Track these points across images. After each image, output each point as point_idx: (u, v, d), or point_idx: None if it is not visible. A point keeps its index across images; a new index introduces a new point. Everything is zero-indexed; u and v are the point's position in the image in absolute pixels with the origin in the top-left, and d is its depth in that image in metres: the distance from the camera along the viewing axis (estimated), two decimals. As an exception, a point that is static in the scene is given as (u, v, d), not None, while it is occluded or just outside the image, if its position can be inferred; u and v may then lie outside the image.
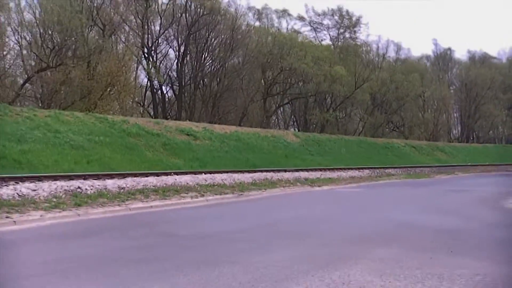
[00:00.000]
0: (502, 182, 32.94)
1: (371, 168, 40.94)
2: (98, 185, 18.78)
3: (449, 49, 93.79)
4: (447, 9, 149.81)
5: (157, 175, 23.19)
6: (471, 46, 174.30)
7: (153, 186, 20.88)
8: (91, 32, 44.74)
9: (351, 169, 38.54)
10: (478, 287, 6.54)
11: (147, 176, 22.33)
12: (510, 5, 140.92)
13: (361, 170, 38.90)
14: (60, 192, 17.12)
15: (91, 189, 18.14)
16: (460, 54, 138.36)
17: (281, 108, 70.67)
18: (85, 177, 19.62)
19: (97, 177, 20.16)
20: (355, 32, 71.97)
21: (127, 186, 19.78)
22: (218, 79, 55.85)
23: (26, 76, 41.41)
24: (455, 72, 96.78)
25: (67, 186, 17.70)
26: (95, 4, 45.13)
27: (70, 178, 19.02)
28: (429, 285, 6.65)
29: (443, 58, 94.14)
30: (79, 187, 17.94)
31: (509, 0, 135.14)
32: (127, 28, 51.58)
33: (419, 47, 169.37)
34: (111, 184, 19.44)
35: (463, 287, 6.55)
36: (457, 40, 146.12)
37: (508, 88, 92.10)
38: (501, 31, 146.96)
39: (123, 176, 21.38)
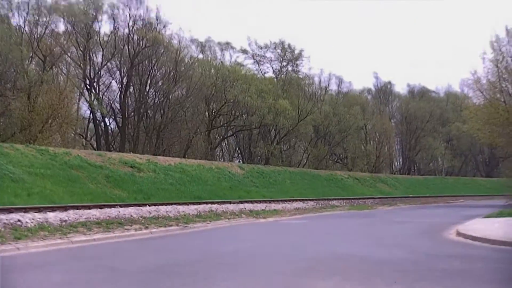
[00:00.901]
0: (442, 213, 33.52)
1: (316, 199, 41.18)
2: (39, 218, 18.30)
3: (389, 82, 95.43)
4: (387, 44, 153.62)
5: (100, 207, 22.80)
6: (410, 80, 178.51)
7: (96, 218, 20.48)
8: (31, 64, 44.10)
9: (296, 200, 38.73)
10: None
11: (90, 209, 21.94)
12: (446, 42, 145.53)
13: (306, 202, 39.08)
14: (-1, 225, 16.60)
15: (32, 222, 17.64)
16: (400, 87, 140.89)
17: (226, 140, 70.69)
18: (25, 210, 19.14)
19: (38, 210, 19.70)
20: (297, 65, 72.78)
21: (69, 219, 19.35)
22: (162, 111, 55.51)
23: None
24: (395, 105, 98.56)
25: (6, 220, 17.18)
26: (35, 36, 44.55)
27: (9, 211, 18.50)
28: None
29: (384, 91, 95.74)
30: (19, 220, 17.43)
31: (444, 37, 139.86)
32: (68, 59, 51.07)
33: (360, 80, 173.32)
34: (53, 217, 18.97)
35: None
36: (397, 74, 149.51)
37: (446, 121, 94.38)
38: (438, 66, 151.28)
39: (65, 208, 20.95)
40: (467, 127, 52.30)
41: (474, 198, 63.58)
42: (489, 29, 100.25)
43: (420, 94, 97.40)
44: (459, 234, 17.96)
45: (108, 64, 54.20)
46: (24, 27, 45.10)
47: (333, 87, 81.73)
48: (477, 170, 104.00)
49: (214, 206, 29.28)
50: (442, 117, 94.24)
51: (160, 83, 55.83)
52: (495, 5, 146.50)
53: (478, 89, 42.90)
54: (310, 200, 40.40)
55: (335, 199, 44.28)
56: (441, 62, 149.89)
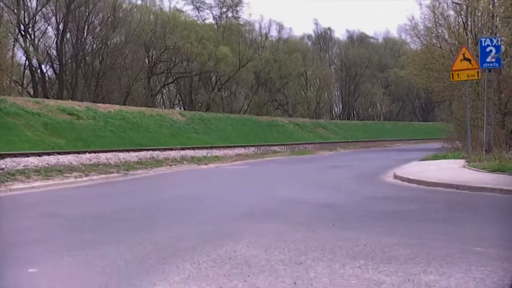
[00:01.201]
0: (380, 157, 34.13)
1: (257, 145, 41.47)
2: (-25, 166, 17.97)
3: (329, 29, 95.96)
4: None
5: (39, 155, 22.49)
6: (350, 26, 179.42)
7: (35, 166, 20.21)
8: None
9: (237, 147, 38.93)
10: (358, 256, 6.73)
11: (28, 156, 21.62)
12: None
13: (247, 148, 39.34)
14: None
15: (-33, 171, 17.33)
16: (340, 34, 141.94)
17: (166, 87, 70.10)
18: (-40, 159, 18.74)
19: (-27, 158, 19.31)
20: (237, 11, 72.35)
21: (7, 166, 19.06)
22: (100, 58, 54.58)
23: None
24: (335, 51, 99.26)
25: None
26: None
27: None
28: (312, 257, 6.76)
29: (324, 37, 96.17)
30: (-46, 169, 17.09)
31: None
32: (1, 4, 49.33)
33: (300, 27, 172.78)
34: (-11, 165, 18.65)
35: (344, 257, 6.70)
36: (337, 20, 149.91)
37: (384, 67, 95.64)
38: (377, 12, 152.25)
39: (2, 156, 20.60)
40: (405, 72, 53.11)
41: (411, 142, 65.05)
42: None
43: (359, 40, 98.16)
44: (396, 177, 18.35)
45: (44, 9, 52.67)
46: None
47: (274, 33, 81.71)
48: (414, 114, 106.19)
49: (156, 153, 29.22)
50: (380, 63, 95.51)
51: (98, 30, 54.71)
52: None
53: (415, 35, 43.32)
54: (251, 146, 40.67)
55: (276, 145, 44.70)
56: (380, 8, 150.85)
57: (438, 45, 39.25)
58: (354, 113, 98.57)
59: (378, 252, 6.96)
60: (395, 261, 6.44)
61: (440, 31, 39.39)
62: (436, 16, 39.02)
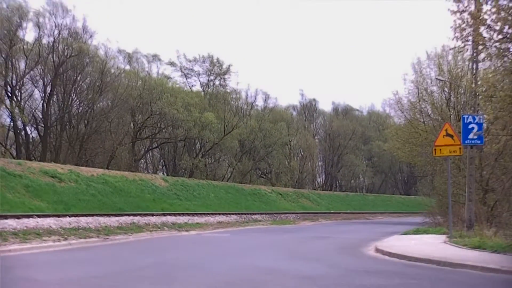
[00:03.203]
0: (362, 229, 34.17)
1: (239, 213, 41.30)
2: (-48, 228, 17.71)
3: (314, 100, 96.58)
4: (313, 62, 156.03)
5: (18, 217, 22.25)
6: (335, 98, 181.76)
7: (13, 229, 19.98)
8: None
9: (219, 214, 38.76)
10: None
11: (6, 219, 21.37)
12: (371, 63, 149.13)
13: (229, 216, 39.16)
14: None
15: None
16: (325, 105, 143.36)
17: (150, 152, 70.07)
18: None
19: (-49, 219, 19.03)
20: (225, 79, 72.90)
21: (-16, 229, 18.80)
22: (86, 121, 54.57)
23: None
24: (319, 122, 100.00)
25: None
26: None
27: None
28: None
29: (309, 108, 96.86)
30: None
31: (367, 58, 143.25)
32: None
33: (286, 97, 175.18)
34: (-34, 226, 18.40)
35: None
36: (322, 92, 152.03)
37: (368, 140, 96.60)
38: (362, 86, 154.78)
39: (-20, 218, 20.34)
40: (388, 145, 53.50)
41: (392, 215, 65.08)
42: (411, 52, 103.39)
43: (344, 112, 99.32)
44: (377, 250, 18.33)
45: (32, 72, 52.90)
46: None
47: (260, 102, 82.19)
48: (396, 187, 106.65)
49: (136, 218, 29.04)
50: (364, 135, 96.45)
51: (85, 93, 54.88)
52: (418, 30, 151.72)
53: (399, 109, 43.89)
54: (233, 214, 40.50)
55: (258, 213, 44.50)
56: (366, 82, 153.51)
57: (422, 120, 39.77)
58: (337, 184, 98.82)
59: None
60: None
61: (423, 106, 39.99)
62: (420, 92, 39.68)
